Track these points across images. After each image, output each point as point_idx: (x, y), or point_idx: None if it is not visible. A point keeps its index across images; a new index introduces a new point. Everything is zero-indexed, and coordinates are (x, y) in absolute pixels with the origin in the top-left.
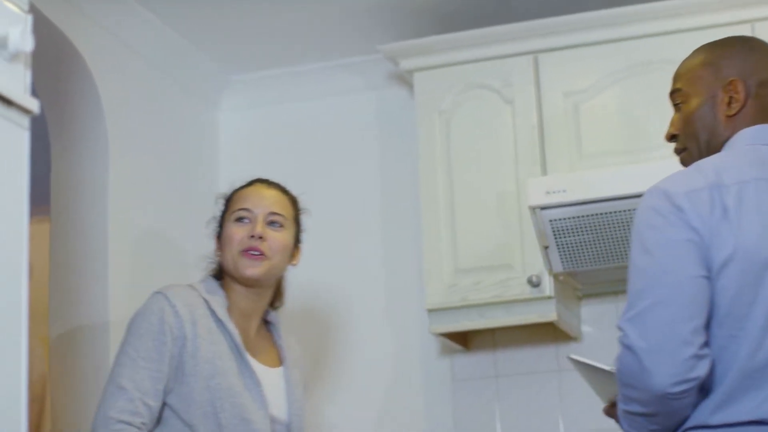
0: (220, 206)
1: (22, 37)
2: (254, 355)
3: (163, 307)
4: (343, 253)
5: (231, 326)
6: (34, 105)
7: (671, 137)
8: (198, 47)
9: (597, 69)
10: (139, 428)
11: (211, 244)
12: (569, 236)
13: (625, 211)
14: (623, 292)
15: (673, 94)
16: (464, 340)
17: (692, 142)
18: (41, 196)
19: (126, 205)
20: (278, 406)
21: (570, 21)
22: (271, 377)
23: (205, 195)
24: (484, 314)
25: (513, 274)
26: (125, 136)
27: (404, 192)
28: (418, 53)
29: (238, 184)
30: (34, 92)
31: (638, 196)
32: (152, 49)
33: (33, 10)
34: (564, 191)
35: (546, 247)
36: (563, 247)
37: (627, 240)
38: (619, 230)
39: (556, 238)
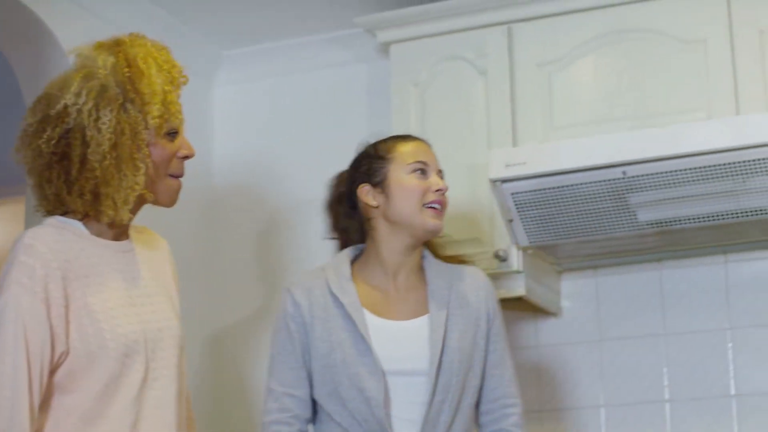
0: (369, 161)
1: None
2: (387, 313)
3: (285, 299)
4: None
5: (347, 297)
6: None
7: None
8: (186, 24)
9: (570, 39)
10: (289, 423)
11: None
12: (533, 209)
13: (588, 183)
14: (603, 266)
15: None
16: None
17: None
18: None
19: None
20: (417, 359)
21: None
22: (407, 331)
23: (200, 168)
24: None
25: (481, 248)
26: None
27: None
28: (394, 25)
29: (373, 139)
30: (12, 71)
31: (600, 168)
32: (137, 26)
33: None
34: (524, 163)
35: (510, 221)
36: (527, 221)
37: (593, 213)
38: (585, 203)
39: (519, 212)
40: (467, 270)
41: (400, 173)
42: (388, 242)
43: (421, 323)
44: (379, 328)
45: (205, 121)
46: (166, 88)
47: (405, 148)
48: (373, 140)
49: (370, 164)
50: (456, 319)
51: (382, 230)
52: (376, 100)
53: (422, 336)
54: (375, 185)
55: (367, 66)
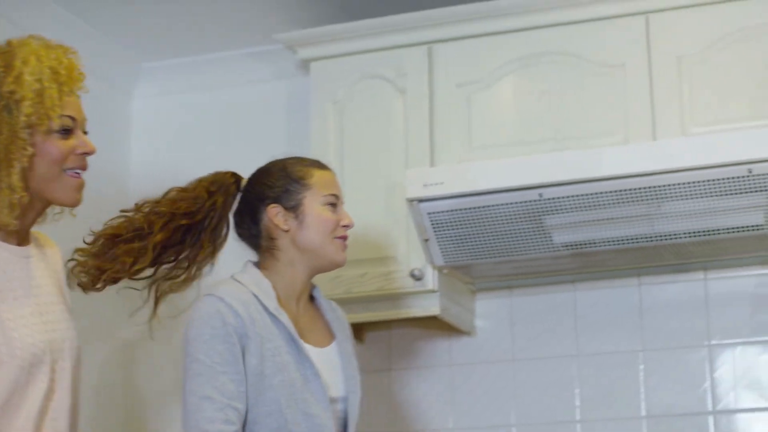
0: (284, 182)
1: None
2: (306, 339)
3: (220, 308)
4: None
5: (284, 318)
6: None
7: None
8: (107, 35)
9: (490, 60)
10: None
11: None
12: (449, 229)
13: (505, 204)
14: (518, 287)
15: None
16: (358, 332)
17: None
18: None
19: None
20: (335, 386)
21: (465, 11)
22: (325, 358)
23: (117, 181)
24: (368, 307)
25: (397, 266)
26: None
27: None
28: (314, 42)
29: (282, 156)
30: None
31: (517, 189)
32: (56, 36)
33: None
34: (441, 183)
35: (426, 240)
36: (443, 241)
37: (509, 234)
38: (501, 224)
39: (435, 231)
40: (334, 303)
41: (315, 203)
42: (294, 267)
43: (333, 351)
44: (312, 354)
45: (122, 131)
46: (46, 84)
47: (321, 177)
48: (283, 158)
49: (285, 186)
50: (348, 346)
51: (288, 254)
52: (296, 116)
53: (336, 364)
54: (288, 209)
55: (287, 82)
